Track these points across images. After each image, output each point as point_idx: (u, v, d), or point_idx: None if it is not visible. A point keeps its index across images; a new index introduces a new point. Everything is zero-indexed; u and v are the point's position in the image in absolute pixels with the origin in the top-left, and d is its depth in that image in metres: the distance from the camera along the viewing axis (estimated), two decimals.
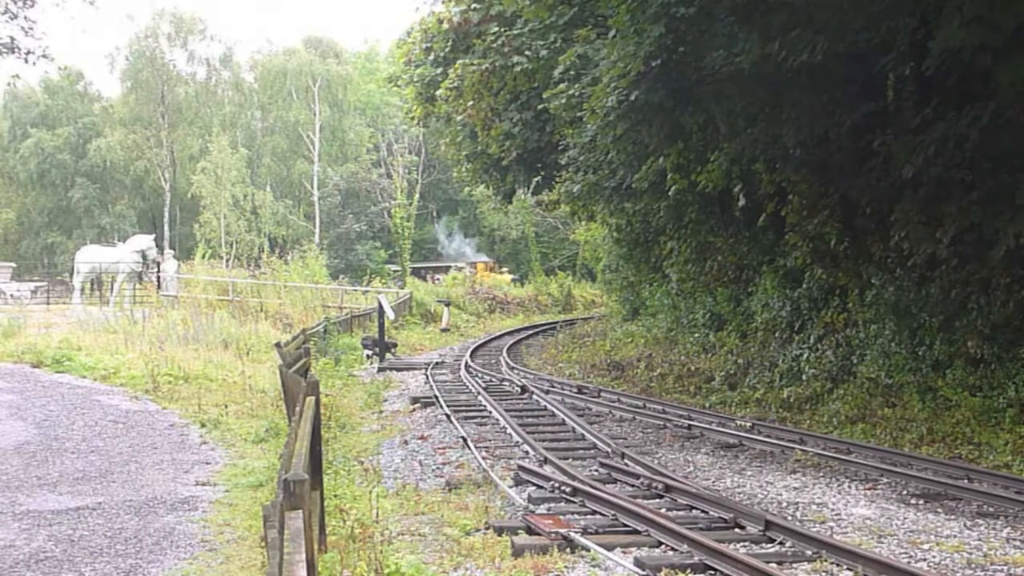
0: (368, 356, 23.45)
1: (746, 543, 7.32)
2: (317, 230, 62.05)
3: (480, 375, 19.62)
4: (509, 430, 12.47)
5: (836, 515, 8.49)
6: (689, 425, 13.30)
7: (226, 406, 13.78)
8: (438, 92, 24.04)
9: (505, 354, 24.91)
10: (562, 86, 18.09)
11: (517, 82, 21.09)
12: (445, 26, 24.64)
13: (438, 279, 53.87)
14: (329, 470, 9.59)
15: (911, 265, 13.72)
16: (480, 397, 15.74)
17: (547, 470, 9.62)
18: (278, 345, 14.45)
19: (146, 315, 22.39)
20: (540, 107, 21.15)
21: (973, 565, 6.92)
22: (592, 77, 16.32)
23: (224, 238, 57.16)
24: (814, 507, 8.80)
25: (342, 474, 10.00)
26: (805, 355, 15.89)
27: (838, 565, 6.67)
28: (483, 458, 10.71)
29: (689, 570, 6.58)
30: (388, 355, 23.40)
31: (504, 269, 59.31)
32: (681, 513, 8.21)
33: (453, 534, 7.71)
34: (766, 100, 15.03)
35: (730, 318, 20.34)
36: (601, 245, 38.11)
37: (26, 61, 21.67)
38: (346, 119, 66.21)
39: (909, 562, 6.88)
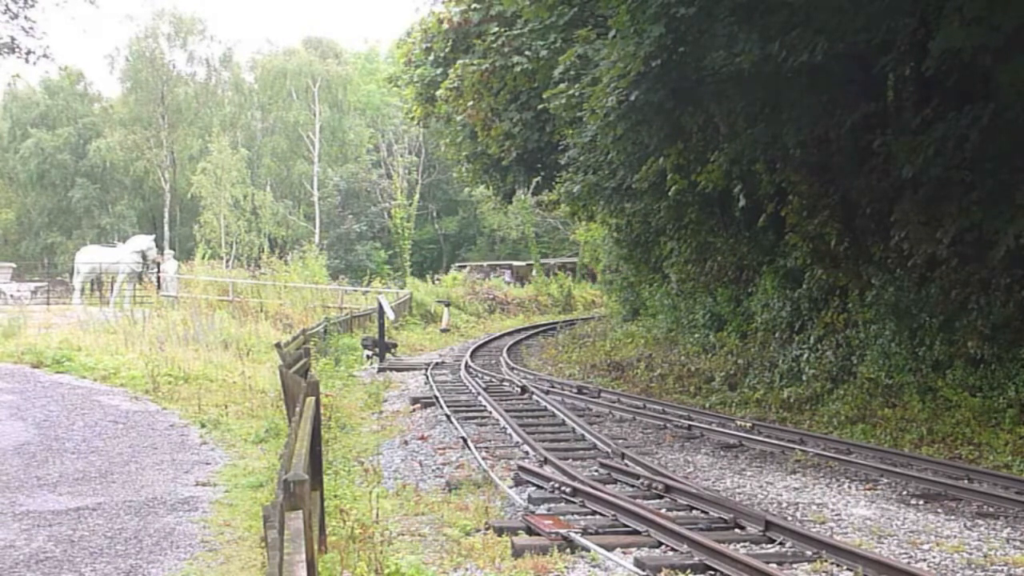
0: (368, 356, 23.44)
1: (746, 543, 7.32)
2: (317, 230, 62.03)
3: (480, 375, 19.61)
4: (509, 430, 12.47)
5: (836, 515, 8.49)
6: (689, 425, 13.30)
7: (226, 406, 13.78)
8: (438, 92, 24.05)
9: (505, 354, 24.90)
10: (562, 86, 18.09)
11: (517, 82, 21.10)
12: (445, 26, 24.67)
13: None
14: (329, 470, 9.59)
15: (911, 265, 13.72)
16: (480, 397, 15.73)
17: (547, 470, 9.62)
18: (278, 345, 14.45)
19: (146, 315, 22.37)
20: (540, 107, 21.15)
21: (973, 565, 6.91)
22: (592, 77, 16.32)
23: (224, 238, 57.14)
24: (814, 507, 8.80)
25: (342, 474, 9.99)
26: (805, 355, 15.88)
27: (838, 565, 6.67)
28: (483, 458, 10.70)
29: (689, 570, 6.58)
30: (388, 355, 23.39)
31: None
32: (681, 513, 8.21)
33: (453, 534, 7.71)
34: (766, 100, 15.03)
35: (730, 318, 20.34)
36: (601, 245, 38.09)
37: (26, 61, 21.65)
38: (346, 119, 66.18)
39: (909, 562, 6.88)
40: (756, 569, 6.24)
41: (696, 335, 21.42)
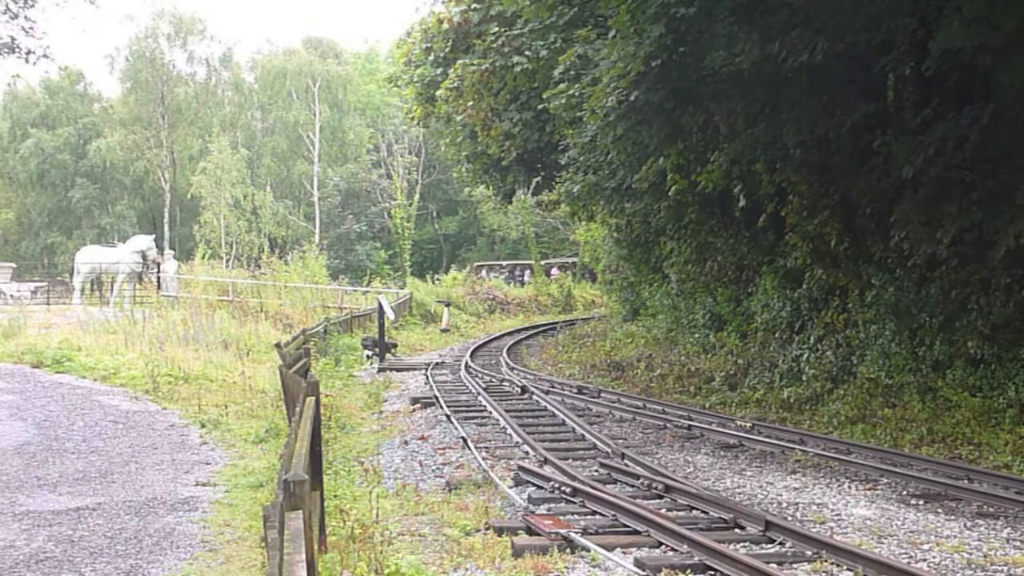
0: (368, 356, 23.44)
1: (746, 543, 7.32)
2: (317, 230, 62.03)
3: (480, 375, 19.61)
4: (509, 430, 12.47)
5: (836, 515, 8.49)
6: (689, 425, 13.30)
7: (226, 406, 13.78)
8: (438, 92, 24.05)
9: (505, 354, 24.89)
10: (562, 86, 18.08)
11: (517, 82, 21.09)
12: (445, 26, 24.67)
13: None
14: (329, 470, 9.58)
15: (911, 265, 13.72)
16: (480, 397, 15.73)
17: (547, 470, 9.62)
18: (278, 345, 14.45)
19: (146, 315, 22.36)
20: (540, 107, 21.14)
21: (973, 565, 6.92)
22: (592, 77, 16.31)
23: (224, 238, 57.14)
24: (814, 507, 8.80)
25: (342, 474, 9.99)
26: (805, 355, 15.88)
27: (838, 565, 6.67)
28: (483, 458, 10.70)
29: (689, 570, 6.58)
30: (388, 355, 23.39)
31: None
32: (681, 513, 8.21)
33: (453, 534, 7.71)
34: (766, 100, 15.03)
35: (730, 318, 20.33)
36: (601, 245, 38.08)
37: (26, 61, 21.66)
38: (346, 119, 66.20)
39: (909, 562, 6.88)
40: (756, 569, 6.24)
41: (696, 335, 21.42)
